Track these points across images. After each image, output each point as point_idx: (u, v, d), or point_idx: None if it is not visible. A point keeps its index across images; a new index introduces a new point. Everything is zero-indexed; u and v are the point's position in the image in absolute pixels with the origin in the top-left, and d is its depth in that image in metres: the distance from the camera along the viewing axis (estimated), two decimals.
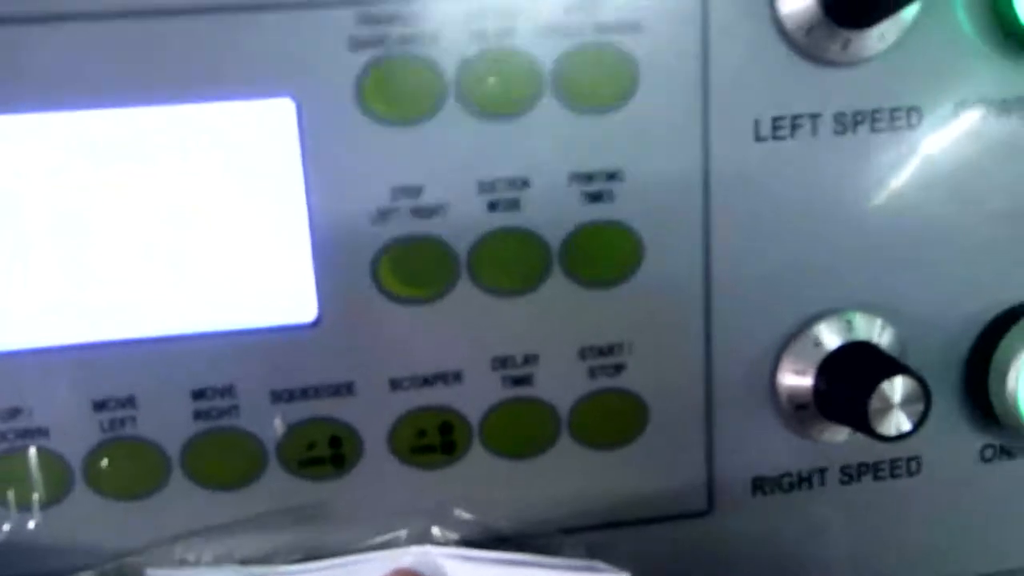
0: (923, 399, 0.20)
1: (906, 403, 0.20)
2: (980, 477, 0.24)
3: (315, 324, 0.21)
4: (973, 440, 0.24)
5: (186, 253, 0.20)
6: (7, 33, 0.18)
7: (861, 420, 0.20)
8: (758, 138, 0.21)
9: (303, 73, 0.20)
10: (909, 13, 0.20)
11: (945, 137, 0.22)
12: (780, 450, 0.23)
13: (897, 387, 0.20)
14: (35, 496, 0.21)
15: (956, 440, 0.24)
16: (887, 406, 0.20)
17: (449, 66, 0.20)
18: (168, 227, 0.20)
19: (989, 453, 0.24)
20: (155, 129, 0.20)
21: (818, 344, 0.22)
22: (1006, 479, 0.24)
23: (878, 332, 0.22)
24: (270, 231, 0.20)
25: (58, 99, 0.19)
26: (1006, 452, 0.24)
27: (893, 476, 0.24)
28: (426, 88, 0.20)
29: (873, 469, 0.24)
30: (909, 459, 0.24)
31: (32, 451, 0.20)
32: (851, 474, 0.24)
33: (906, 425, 0.20)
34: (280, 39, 0.19)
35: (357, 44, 0.19)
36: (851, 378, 0.21)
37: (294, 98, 0.20)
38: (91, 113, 0.19)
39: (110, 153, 0.19)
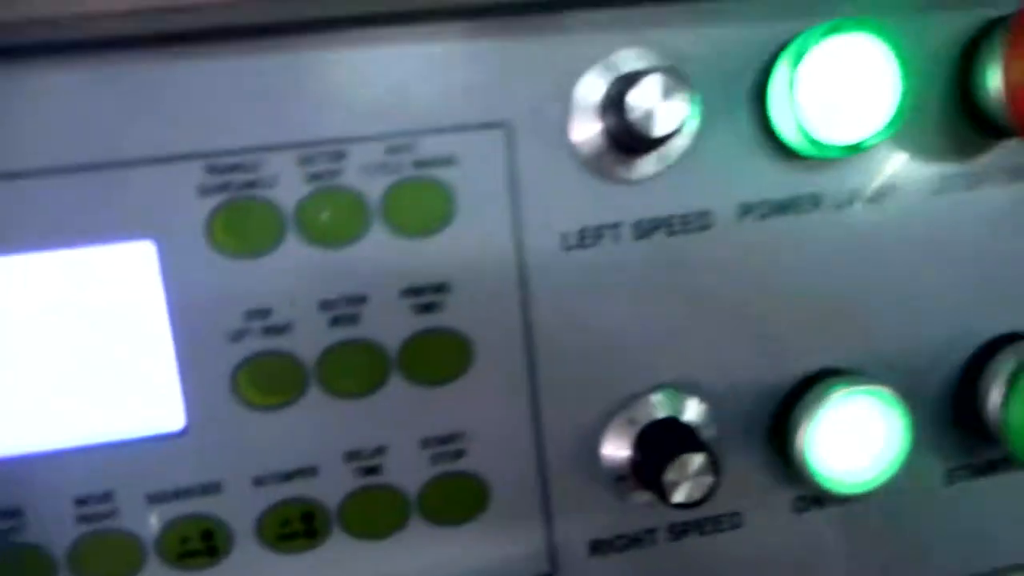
0: (711, 472, 0.23)
1: (697, 475, 0.23)
2: (795, 525, 0.27)
3: (183, 433, 0.23)
4: (786, 493, 0.27)
5: (67, 375, 0.23)
6: None
7: (660, 490, 0.23)
8: (566, 248, 0.24)
9: (161, 218, 0.22)
10: (687, 134, 0.24)
11: (734, 234, 0.25)
12: (612, 514, 0.26)
13: (688, 462, 0.23)
14: None
15: (770, 494, 0.27)
16: (681, 478, 0.23)
17: (287, 205, 0.23)
18: (52, 352, 0.23)
19: (801, 504, 0.27)
20: (36, 272, 0.22)
21: (633, 421, 0.25)
22: (817, 526, 0.27)
23: (686, 407, 0.25)
24: (140, 354, 0.23)
25: None
26: (816, 502, 0.27)
27: (718, 531, 0.27)
28: (268, 225, 0.23)
29: (698, 526, 0.27)
30: (731, 514, 0.27)
31: None
32: (678, 532, 0.27)
33: (697, 494, 0.23)
34: (139, 190, 0.22)
35: (205, 191, 0.22)
36: (653, 453, 0.24)
37: (155, 241, 0.22)
38: None
39: None
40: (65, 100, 0.21)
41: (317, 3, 0.22)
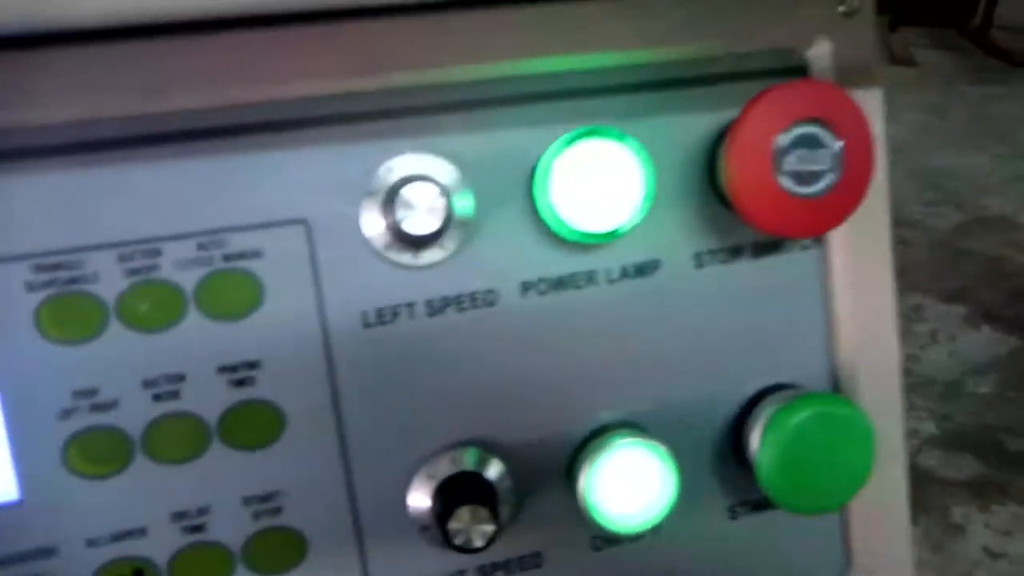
0: (492, 521, 0.26)
1: (477, 524, 0.26)
2: (595, 563, 0.31)
3: (18, 504, 0.26)
4: (584, 533, 0.31)
5: None
6: None
7: (446, 538, 0.26)
8: (366, 325, 0.28)
9: None
10: (464, 224, 0.27)
11: (518, 308, 0.29)
12: (424, 559, 0.29)
13: (468, 513, 0.26)
14: None
15: (569, 534, 0.30)
16: (464, 527, 0.26)
17: (109, 298, 0.26)
18: None
19: (598, 543, 0.31)
20: None
21: (432, 476, 0.28)
22: (617, 563, 0.31)
23: (486, 461, 0.29)
24: None
25: None
26: (612, 541, 0.31)
27: (522, 570, 0.30)
28: (92, 315, 0.26)
29: (504, 567, 0.30)
30: (532, 554, 0.30)
31: None
32: (486, 572, 0.30)
33: (478, 542, 0.26)
34: None
35: (32, 287, 0.25)
36: (443, 504, 0.27)
37: None
38: None
39: None
40: None
41: (134, 122, 0.25)
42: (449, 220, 0.26)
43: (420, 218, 0.25)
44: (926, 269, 1.80)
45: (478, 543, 0.26)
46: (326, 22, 0.26)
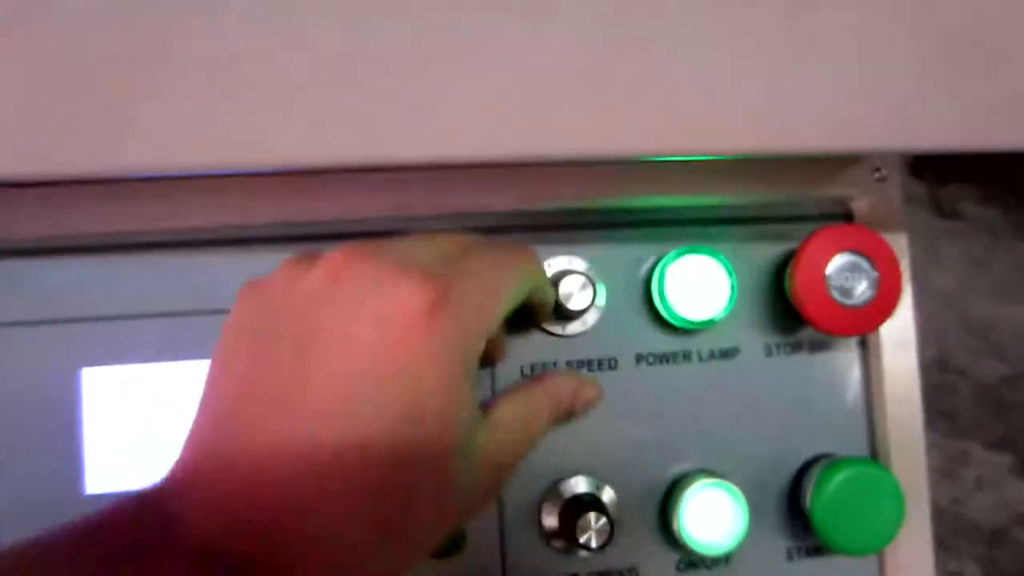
0: (607, 528, 0.35)
1: (597, 527, 0.35)
2: None
3: None
4: (670, 556, 0.39)
5: None
6: None
7: (572, 539, 0.35)
8: (523, 376, 0.38)
9: None
10: (599, 308, 0.38)
11: (634, 373, 0.39)
12: (547, 564, 0.38)
13: (591, 518, 0.35)
14: None
15: (658, 556, 0.39)
16: (587, 528, 0.35)
17: None
18: None
19: (682, 566, 0.39)
20: None
21: (560, 495, 0.37)
22: None
23: (601, 488, 0.38)
24: None
25: None
26: (693, 565, 0.39)
27: None
28: None
29: (607, 575, 0.38)
30: (630, 567, 0.39)
31: None
32: None
33: (596, 543, 0.35)
34: None
35: None
36: (572, 512, 0.36)
37: None
38: None
39: None
40: None
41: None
42: (592, 302, 0.36)
43: (567, 299, 0.36)
44: (972, 417, 1.82)
45: (595, 543, 0.35)
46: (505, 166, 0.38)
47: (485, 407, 0.30)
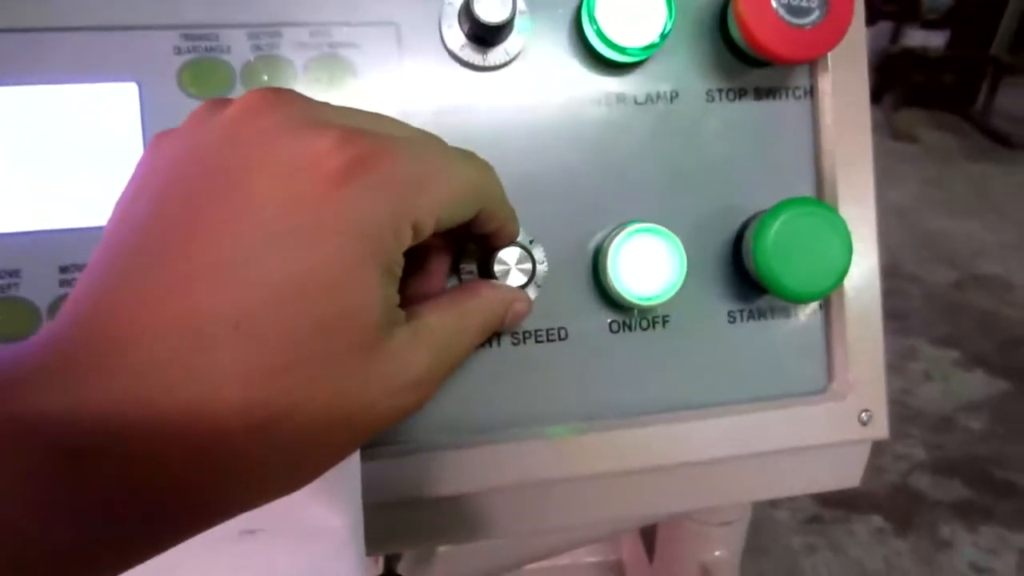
0: (530, 260, 0.32)
1: (519, 263, 0.32)
2: (611, 344, 0.36)
3: None
4: (602, 316, 0.36)
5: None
6: None
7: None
8: (435, 113, 0.34)
9: (145, 66, 0.32)
10: (521, 39, 0.34)
11: (564, 116, 0.35)
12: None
13: (511, 254, 0.32)
14: None
15: (589, 317, 0.36)
16: (506, 267, 0.32)
17: (237, 66, 0.32)
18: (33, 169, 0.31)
19: (615, 326, 0.36)
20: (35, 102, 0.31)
21: None
22: (630, 345, 0.36)
23: (531, 242, 0.34)
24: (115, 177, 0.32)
25: None
26: (627, 326, 0.36)
27: (549, 340, 0.35)
28: (222, 77, 0.32)
29: (534, 335, 0.35)
30: (558, 328, 0.35)
31: None
32: (523, 338, 0.35)
33: (519, 279, 0.32)
34: (129, 47, 0.32)
35: (179, 51, 0.32)
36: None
37: (137, 82, 0.32)
38: None
39: None
40: None
41: None
42: (512, 19, 0.32)
43: (491, 6, 0.32)
44: (922, 317, 1.86)
45: (519, 280, 0.32)
46: None
47: (408, 312, 0.26)
